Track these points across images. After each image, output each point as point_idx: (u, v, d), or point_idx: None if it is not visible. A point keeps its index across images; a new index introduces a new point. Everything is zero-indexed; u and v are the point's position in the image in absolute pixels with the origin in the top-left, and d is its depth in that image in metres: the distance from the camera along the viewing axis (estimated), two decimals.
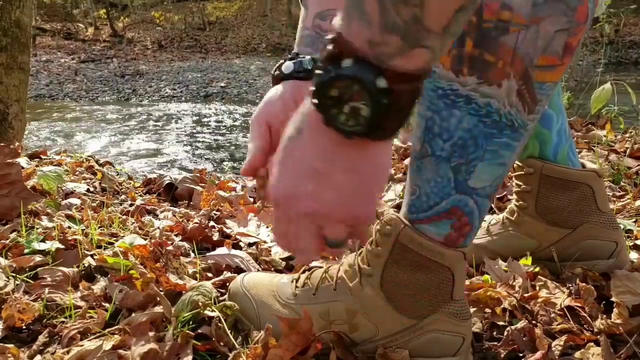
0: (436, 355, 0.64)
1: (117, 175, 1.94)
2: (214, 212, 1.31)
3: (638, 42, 9.96)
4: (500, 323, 0.74)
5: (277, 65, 0.66)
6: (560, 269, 0.86)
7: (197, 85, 8.13)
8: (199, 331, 0.70)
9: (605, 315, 0.73)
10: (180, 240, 1.07)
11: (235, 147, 4.52)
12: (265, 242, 1.10)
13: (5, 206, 1.12)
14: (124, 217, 1.22)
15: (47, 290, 0.79)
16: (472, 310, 0.76)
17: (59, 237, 0.99)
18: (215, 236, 1.12)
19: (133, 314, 0.73)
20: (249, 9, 16.19)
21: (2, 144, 1.20)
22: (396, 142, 1.96)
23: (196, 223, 1.17)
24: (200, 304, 0.72)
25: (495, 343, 0.70)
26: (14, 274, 0.84)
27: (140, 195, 1.59)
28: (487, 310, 0.77)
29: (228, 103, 6.81)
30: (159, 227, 1.13)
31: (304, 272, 0.74)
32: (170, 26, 14.99)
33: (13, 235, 1.01)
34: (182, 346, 0.66)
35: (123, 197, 1.55)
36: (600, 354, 0.65)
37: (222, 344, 0.68)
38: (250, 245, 1.08)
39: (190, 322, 0.71)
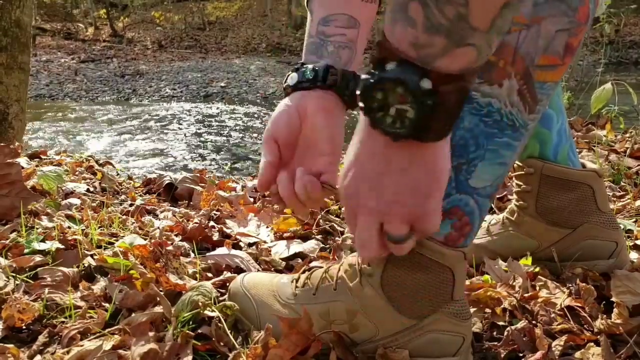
0: (436, 355, 0.64)
1: (117, 175, 1.94)
2: (214, 212, 1.31)
3: (638, 42, 9.96)
4: (501, 323, 0.74)
5: (286, 76, 0.68)
6: (561, 269, 0.86)
7: (197, 85, 8.13)
8: (199, 331, 0.70)
9: (605, 315, 0.72)
10: (180, 240, 1.07)
11: (235, 147, 4.52)
12: (265, 242, 1.10)
13: (5, 206, 1.12)
14: (124, 217, 1.22)
15: (47, 290, 0.79)
16: (472, 310, 0.76)
17: (59, 237, 0.99)
18: (215, 236, 1.12)
19: (133, 314, 0.73)
20: (249, 8, 16.19)
21: (2, 144, 1.20)
22: None
23: (196, 223, 1.16)
24: (200, 304, 0.72)
25: (496, 343, 0.70)
26: (14, 274, 0.84)
27: (140, 195, 1.59)
28: (487, 310, 0.77)
29: (228, 103, 6.81)
30: (159, 227, 1.13)
31: (304, 272, 0.74)
32: (170, 26, 15.00)
33: (13, 235, 1.01)
34: (182, 346, 0.66)
35: (123, 197, 1.55)
36: (600, 354, 0.65)
37: (222, 344, 0.68)
38: (250, 245, 1.08)
39: (190, 322, 0.71)
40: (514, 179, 0.91)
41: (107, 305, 0.78)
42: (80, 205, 1.29)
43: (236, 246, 1.06)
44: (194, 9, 15.55)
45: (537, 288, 0.81)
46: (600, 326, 0.71)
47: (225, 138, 4.90)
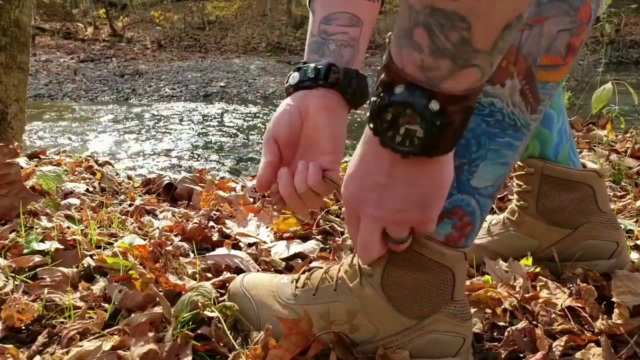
0: (437, 355, 0.64)
1: (117, 175, 1.94)
2: (214, 212, 1.30)
3: (639, 42, 9.96)
4: (501, 323, 0.74)
5: (287, 76, 0.68)
6: (561, 269, 0.86)
7: (196, 84, 8.12)
8: (199, 332, 0.70)
9: (606, 316, 0.72)
10: (179, 241, 1.07)
11: (235, 147, 4.52)
12: (265, 242, 1.10)
13: (5, 206, 1.12)
14: (123, 217, 1.22)
15: (46, 290, 0.78)
16: (472, 310, 0.76)
17: (58, 238, 0.98)
18: (215, 236, 1.11)
19: (132, 315, 0.73)
20: (248, 8, 16.19)
21: (1, 144, 1.19)
22: None
23: (196, 223, 1.16)
24: (199, 304, 0.72)
25: (496, 343, 0.70)
26: (13, 274, 0.84)
27: (140, 195, 1.59)
28: (488, 310, 0.77)
29: (228, 103, 6.81)
30: (158, 228, 1.12)
31: (304, 272, 0.74)
32: (169, 26, 14.99)
33: (12, 235, 1.01)
34: (181, 347, 0.66)
35: (122, 197, 1.55)
36: (601, 354, 0.65)
37: (221, 344, 0.68)
38: (250, 245, 1.08)
39: (190, 323, 0.71)
40: (514, 178, 0.91)
41: (106, 305, 0.77)
42: (79, 206, 1.29)
43: (236, 246, 1.06)
44: (194, 8, 15.55)
45: (538, 288, 0.81)
46: (601, 326, 0.71)
47: (225, 138, 4.90)
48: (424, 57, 0.41)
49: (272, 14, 15.06)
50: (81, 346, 0.66)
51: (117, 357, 0.64)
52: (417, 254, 0.61)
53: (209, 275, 0.91)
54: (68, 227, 1.07)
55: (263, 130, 4.97)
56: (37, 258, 0.89)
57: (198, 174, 1.72)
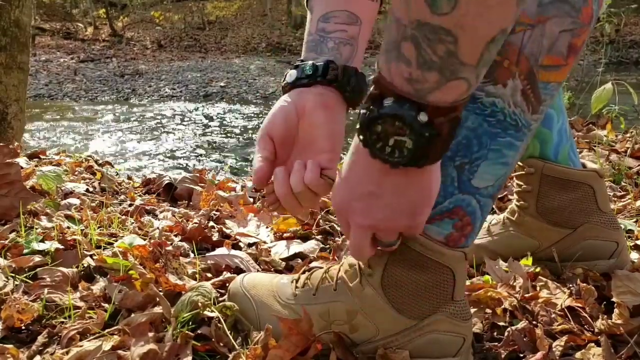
0: (436, 355, 0.64)
1: (117, 175, 1.94)
2: (214, 212, 1.30)
3: (639, 42, 9.96)
4: (501, 323, 0.74)
5: (284, 74, 0.67)
6: (561, 269, 0.86)
7: (196, 85, 8.12)
8: (199, 332, 0.70)
9: (606, 316, 0.72)
10: (179, 241, 1.07)
11: (235, 147, 4.52)
12: (265, 242, 1.10)
13: (5, 206, 1.12)
14: (123, 217, 1.22)
15: (46, 290, 0.78)
16: (472, 310, 0.76)
17: (58, 238, 0.98)
18: (215, 236, 1.11)
19: (132, 315, 0.73)
20: (248, 8, 16.19)
21: (1, 144, 1.19)
22: None
23: (196, 223, 1.16)
24: (199, 304, 0.72)
25: (496, 343, 0.70)
26: (13, 274, 0.84)
27: (140, 195, 1.59)
28: (488, 310, 0.77)
29: (228, 103, 6.81)
30: (158, 228, 1.12)
31: (304, 272, 0.74)
32: (169, 26, 14.98)
33: (12, 235, 1.01)
34: (181, 347, 0.66)
35: (122, 197, 1.55)
36: (601, 354, 0.65)
37: (221, 344, 0.68)
38: (250, 245, 1.08)
39: (190, 323, 0.71)
40: (514, 178, 0.91)
41: (106, 305, 0.77)
42: (79, 206, 1.29)
43: (236, 246, 1.06)
44: (194, 8, 15.55)
45: (538, 288, 0.81)
46: (601, 326, 0.71)
47: (224, 138, 4.89)
48: (412, 70, 0.42)
49: (272, 14, 15.06)
50: (81, 346, 0.66)
51: (117, 357, 0.64)
52: (417, 254, 0.61)
53: (209, 275, 0.91)
54: (68, 227, 1.07)
55: None
56: (37, 258, 0.89)
57: (198, 174, 1.72)
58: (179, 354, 0.65)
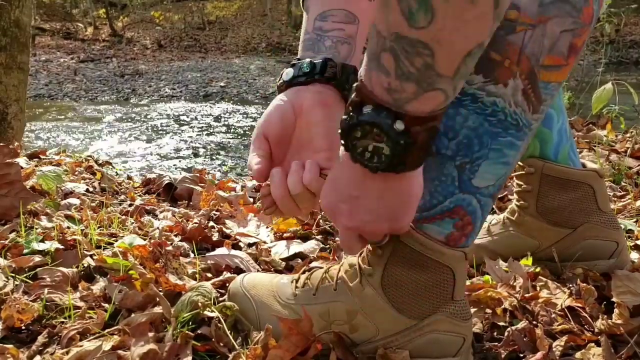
0: (436, 355, 0.64)
1: (117, 175, 1.94)
2: (214, 212, 1.30)
3: (639, 42, 9.95)
4: (501, 323, 0.74)
5: (280, 74, 0.66)
6: (561, 269, 0.86)
7: (196, 85, 8.12)
8: (199, 332, 0.70)
9: (606, 316, 0.72)
10: (179, 241, 1.07)
11: (235, 147, 4.52)
12: (265, 242, 1.10)
13: (5, 206, 1.12)
14: (123, 217, 1.22)
15: (46, 290, 0.78)
16: (472, 310, 0.76)
17: (58, 238, 0.98)
18: (215, 236, 1.11)
19: (132, 315, 0.73)
20: (248, 8, 16.18)
21: (1, 144, 1.19)
22: None
23: (196, 223, 1.16)
24: (199, 304, 0.72)
25: (496, 343, 0.70)
26: (13, 274, 0.84)
27: (140, 195, 1.59)
28: (488, 310, 0.77)
29: (228, 103, 6.81)
30: (158, 228, 1.12)
31: (304, 272, 0.74)
32: (169, 26, 14.98)
33: (12, 235, 1.01)
34: (181, 347, 0.66)
35: (122, 197, 1.55)
36: (601, 354, 0.64)
37: (221, 344, 0.68)
38: (250, 245, 1.08)
39: (190, 323, 0.71)
40: (514, 178, 0.91)
41: (106, 305, 0.77)
42: (79, 206, 1.29)
43: (236, 246, 1.06)
44: (194, 8, 15.54)
45: (538, 288, 0.81)
46: (601, 326, 0.71)
47: (224, 138, 4.89)
48: (391, 80, 0.44)
49: (272, 14, 15.06)
50: (81, 346, 0.66)
51: (117, 357, 0.64)
52: (417, 253, 0.61)
53: (209, 275, 0.91)
54: (68, 227, 1.07)
55: None
56: (37, 258, 0.89)
57: (198, 174, 1.72)
58: (179, 354, 0.65)
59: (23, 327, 0.73)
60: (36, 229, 1.03)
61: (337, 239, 1.12)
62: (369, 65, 0.45)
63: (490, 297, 0.77)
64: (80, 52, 11.98)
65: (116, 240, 0.99)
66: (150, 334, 0.67)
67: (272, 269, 0.97)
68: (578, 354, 0.66)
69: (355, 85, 0.47)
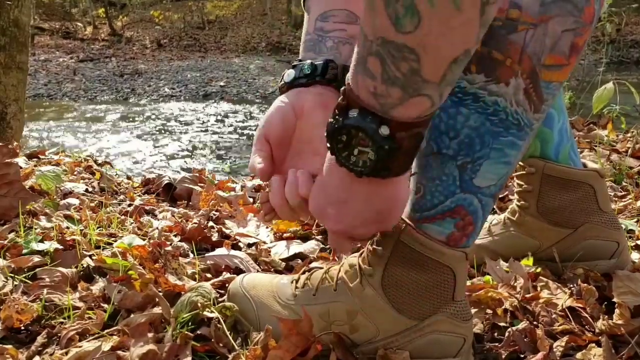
0: (437, 356, 0.63)
1: (116, 175, 1.94)
2: (213, 212, 1.30)
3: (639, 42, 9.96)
4: (502, 324, 0.74)
5: (282, 75, 0.66)
6: (562, 269, 0.86)
7: (196, 84, 8.12)
8: (198, 332, 0.70)
9: (606, 316, 0.72)
10: (179, 241, 1.06)
11: (234, 147, 4.52)
12: (264, 242, 1.10)
13: (4, 206, 1.12)
14: (123, 217, 1.21)
15: (45, 290, 0.78)
16: (473, 311, 0.76)
17: (58, 238, 0.98)
18: (215, 237, 1.11)
19: (132, 315, 0.73)
20: (248, 7, 16.18)
21: (0, 144, 1.19)
22: None
23: (195, 223, 1.16)
24: (199, 304, 0.72)
25: (497, 344, 0.70)
26: (13, 275, 0.84)
27: (139, 195, 1.59)
28: (489, 311, 0.77)
29: (227, 102, 6.81)
30: (157, 228, 1.12)
31: (304, 272, 0.73)
32: (169, 25, 14.98)
33: (11, 235, 1.01)
34: (181, 347, 0.66)
35: (122, 197, 1.54)
36: (601, 354, 0.64)
37: (221, 345, 0.68)
38: (249, 245, 1.08)
39: (190, 323, 0.71)
40: (515, 178, 0.91)
41: (105, 306, 0.77)
42: (78, 206, 1.29)
43: (235, 247, 1.06)
44: (193, 7, 15.54)
45: (539, 289, 0.81)
46: (602, 327, 0.71)
47: (224, 137, 4.89)
48: (377, 85, 0.44)
49: (272, 13, 15.06)
50: (80, 347, 0.66)
51: (117, 357, 0.64)
52: (418, 253, 0.61)
53: (209, 275, 0.90)
54: (67, 227, 1.07)
55: None
56: (36, 258, 0.89)
57: (197, 174, 1.72)
58: (179, 354, 0.65)
59: (22, 328, 0.73)
60: (35, 229, 1.03)
61: None
62: (356, 69, 0.45)
63: (491, 297, 0.77)
64: (80, 52, 11.98)
65: (115, 241, 0.99)
66: (150, 335, 0.67)
67: (272, 270, 0.96)
68: (579, 355, 0.66)
69: (342, 88, 0.47)
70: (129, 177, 1.99)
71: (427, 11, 0.39)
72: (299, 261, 1.00)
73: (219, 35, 13.96)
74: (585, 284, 0.79)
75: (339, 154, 0.49)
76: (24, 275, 0.84)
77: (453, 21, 0.39)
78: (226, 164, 3.83)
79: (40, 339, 0.69)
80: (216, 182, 1.73)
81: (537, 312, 0.75)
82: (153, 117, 5.94)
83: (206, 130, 5.19)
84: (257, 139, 0.63)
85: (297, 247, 1.04)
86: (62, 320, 0.73)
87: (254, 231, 1.16)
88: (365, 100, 0.45)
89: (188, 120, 5.69)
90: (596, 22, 0.55)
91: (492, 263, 0.86)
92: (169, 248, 0.90)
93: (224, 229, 1.16)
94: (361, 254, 0.66)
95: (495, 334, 0.73)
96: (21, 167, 1.44)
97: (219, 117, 5.81)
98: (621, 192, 1.33)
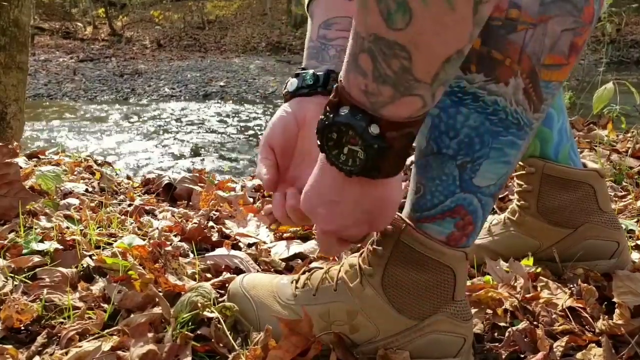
0: (437, 356, 0.63)
1: (116, 175, 1.94)
2: (213, 212, 1.30)
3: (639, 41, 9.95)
4: (502, 324, 0.74)
5: (285, 82, 0.67)
6: (562, 269, 0.86)
7: (196, 84, 8.12)
8: (198, 332, 0.70)
9: (606, 316, 0.72)
10: (179, 241, 1.07)
11: (234, 147, 4.52)
12: (264, 242, 1.10)
13: (4, 206, 1.12)
14: (123, 217, 1.21)
15: (45, 290, 0.78)
16: (473, 311, 0.76)
17: (58, 238, 0.98)
18: (215, 237, 1.11)
19: (132, 315, 0.73)
20: (248, 7, 16.18)
21: (0, 144, 1.19)
22: None
23: (195, 223, 1.16)
24: (199, 305, 0.72)
25: (497, 344, 0.70)
26: (13, 275, 0.84)
27: (139, 195, 1.59)
28: (489, 311, 0.77)
29: (227, 102, 6.81)
30: (157, 228, 1.12)
31: (304, 272, 0.73)
32: (169, 25, 14.97)
33: (11, 235, 1.01)
34: (181, 347, 0.66)
35: (122, 197, 1.55)
36: (601, 354, 0.64)
37: (221, 345, 0.68)
38: (249, 245, 1.08)
39: (190, 323, 0.71)
40: (515, 178, 0.91)
41: (105, 306, 0.77)
42: (78, 206, 1.29)
43: (235, 247, 1.06)
44: (193, 7, 15.54)
45: (539, 289, 0.81)
46: (602, 327, 0.71)
47: (224, 137, 4.89)
48: (368, 82, 0.43)
49: (272, 13, 15.05)
50: (80, 347, 0.66)
51: (117, 357, 0.64)
52: (418, 253, 0.61)
53: (209, 275, 0.90)
54: (67, 227, 1.07)
55: (262, 129, 4.96)
56: (36, 258, 0.89)
57: (198, 174, 1.72)
58: (179, 354, 0.65)
59: (22, 328, 0.73)
60: (35, 229, 1.03)
61: None
62: (348, 66, 0.45)
63: (491, 297, 0.77)
64: (80, 52, 11.97)
65: (115, 241, 0.99)
66: (150, 335, 0.67)
67: (272, 270, 0.96)
68: (579, 355, 0.66)
69: (335, 85, 0.47)
70: (129, 177, 1.99)
71: (420, 8, 0.38)
72: (299, 261, 1.00)
73: (219, 35, 13.96)
74: (586, 284, 0.79)
75: (329, 152, 0.48)
76: (24, 275, 0.84)
77: (446, 19, 0.39)
78: (226, 163, 3.83)
79: (40, 339, 0.69)
80: (216, 182, 1.73)
81: (537, 312, 0.75)
82: (153, 117, 5.94)
83: (206, 130, 5.19)
84: (262, 147, 0.65)
85: (297, 247, 1.04)
86: (62, 320, 0.73)
87: (254, 231, 1.16)
88: (356, 98, 0.45)
89: (188, 121, 5.69)
90: (596, 22, 0.55)
91: (492, 263, 0.86)
92: (169, 248, 0.91)
93: (224, 229, 1.16)
94: (361, 254, 0.66)
95: (495, 334, 0.73)
96: (21, 167, 1.44)
97: (219, 117, 5.81)
98: (621, 192, 1.33)
